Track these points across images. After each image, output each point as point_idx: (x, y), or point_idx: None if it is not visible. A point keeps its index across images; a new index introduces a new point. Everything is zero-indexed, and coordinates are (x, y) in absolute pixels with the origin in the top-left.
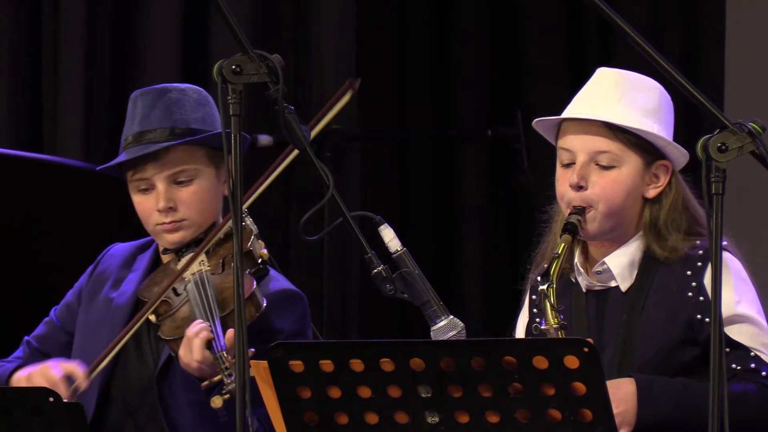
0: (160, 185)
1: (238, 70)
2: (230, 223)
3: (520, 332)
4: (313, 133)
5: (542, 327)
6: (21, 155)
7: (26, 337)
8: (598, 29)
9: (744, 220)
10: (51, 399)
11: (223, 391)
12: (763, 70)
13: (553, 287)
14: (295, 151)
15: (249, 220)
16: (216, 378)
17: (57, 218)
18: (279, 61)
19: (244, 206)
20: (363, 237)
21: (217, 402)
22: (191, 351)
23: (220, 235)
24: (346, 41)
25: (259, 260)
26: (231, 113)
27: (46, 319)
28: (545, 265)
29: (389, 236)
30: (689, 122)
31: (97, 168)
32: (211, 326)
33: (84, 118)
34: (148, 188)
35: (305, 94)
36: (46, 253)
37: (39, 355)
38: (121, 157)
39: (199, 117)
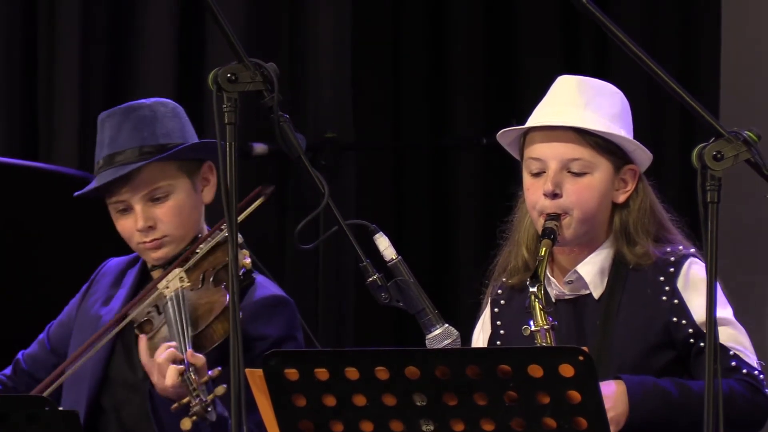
0: (137, 205)
1: (233, 78)
2: (212, 238)
3: (478, 345)
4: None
5: (532, 329)
6: (16, 163)
7: (19, 354)
8: (593, 38)
9: (740, 226)
10: (47, 407)
11: (190, 413)
12: (759, 78)
13: (542, 288)
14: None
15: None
16: (184, 400)
17: (53, 226)
18: (274, 69)
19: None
20: (358, 245)
21: (186, 424)
22: (163, 376)
23: (206, 249)
24: (341, 49)
25: (242, 271)
26: (226, 121)
27: (40, 336)
28: (504, 279)
29: (384, 245)
30: (684, 130)
31: (74, 194)
32: (180, 347)
33: (80, 126)
34: (126, 209)
35: (301, 102)
36: (42, 260)
37: (26, 376)
38: (93, 184)
39: (168, 130)
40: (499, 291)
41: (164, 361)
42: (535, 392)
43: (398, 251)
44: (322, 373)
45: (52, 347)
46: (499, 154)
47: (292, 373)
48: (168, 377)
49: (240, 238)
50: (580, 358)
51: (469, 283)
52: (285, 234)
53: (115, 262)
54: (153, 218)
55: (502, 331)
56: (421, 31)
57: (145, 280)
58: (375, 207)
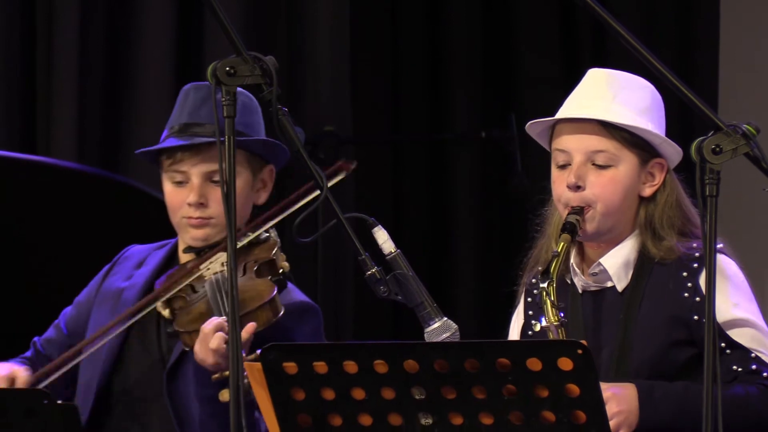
0: (196, 179)
1: (232, 71)
2: (252, 232)
3: (514, 335)
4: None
5: (542, 324)
6: (15, 157)
7: (35, 338)
8: (592, 32)
9: (739, 222)
10: (45, 401)
11: None
12: (757, 72)
13: (553, 285)
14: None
15: (273, 233)
16: (227, 372)
17: (52, 220)
18: (273, 62)
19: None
20: (357, 239)
21: (225, 395)
22: (207, 343)
23: (243, 241)
24: (339, 43)
25: (280, 271)
26: (225, 115)
27: (56, 321)
28: (539, 268)
29: (383, 238)
30: (683, 124)
31: (137, 151)
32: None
33: (78, 119)
34: (183, 181)
35: (299, 96)
36: (41, 255)
37: (45, 360)
38: (170, 142)
39: (246, 122)
40: (533, 280)
41: (210, 331)
42: (533, 386)
43: (396, 245)
44: (320, 367)
45: (69, 331)
46: (498, 148)
47: (290, 367)
48: (213, 341)
49: (279, 241)
50: (579, 351)
51: (467, 277)
52: (283, 227)
53: (138, 248)
54: (207, 197)
55: (533, 321)
56: (420, 25)
57: (172, 263)
58: (373, 201)
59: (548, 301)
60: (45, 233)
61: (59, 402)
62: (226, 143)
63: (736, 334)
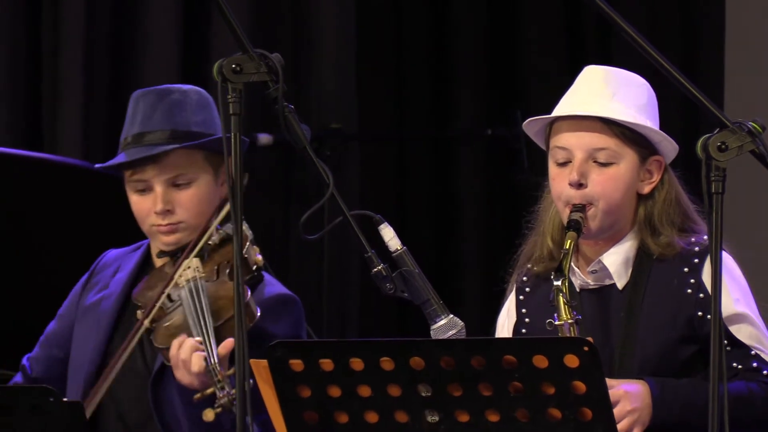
0: (158, 187)
1: (238, 69)
2: (225, 228)
3: (504, 333)
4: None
5: (556, 322)
6: (21, 154)
7: (24, 360)
8: (597, 29)
9: (742, 218)
10: (51, 398)
11: (216, 405)
12: (763, 69)
13: (566, 282)
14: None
15: (245, 226)
16: (208, 391)
17: (57, 217)
18: (279, 60)
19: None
20: (363, 236)
21: (209, 415)
22: (187, 370)
23: (215, 240)
24: (345, 40)
25: (254, 267)
26: (231, 112)
27: (42, 338)
28: (529, 266)
29: (389, 235)
30: (686, 121)
31: (96, 166)
32: (202, 340)
33: (84, 117)
34: (146, 189)
35: (305, 93)
36: (45, 251)
37: (32, 380)
38: (121, 158)
39: (199, 120)
40: (525, 278)
41: (187, 357)
42: (540, 383)
43: (402, 242)
44: (326, 364)
45: (51, 345)
46: (503, 145)
47: (296, 364)
48: (194, 364)
49: (251, 234)
50: (585, 348)
51: (472, 274)
52: (289, 225)
53: (114, 253)
54: (172, 202)
55: (527, 320)
56: (425, 21)
57: (146, 267)
58: (379, 198)
59: (561, 299)
60: (50, 230)
61: (64, 399)
62: (232, 140)
63: (735, 330)
